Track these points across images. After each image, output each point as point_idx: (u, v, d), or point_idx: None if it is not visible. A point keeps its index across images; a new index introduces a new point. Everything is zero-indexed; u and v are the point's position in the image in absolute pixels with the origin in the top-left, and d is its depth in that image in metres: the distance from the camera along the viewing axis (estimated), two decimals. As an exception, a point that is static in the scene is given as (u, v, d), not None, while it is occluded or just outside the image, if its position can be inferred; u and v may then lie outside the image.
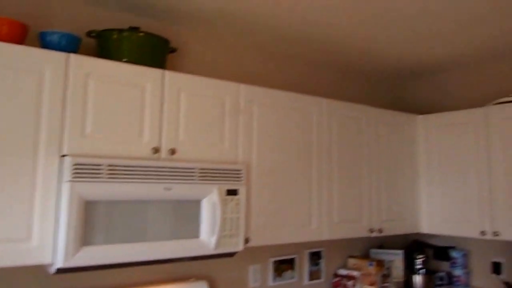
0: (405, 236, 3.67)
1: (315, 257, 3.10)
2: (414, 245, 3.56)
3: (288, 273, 2.97)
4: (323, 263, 3.13)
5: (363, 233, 2.95)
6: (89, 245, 1.90)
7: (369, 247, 3.42)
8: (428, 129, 3.36)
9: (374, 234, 3.00)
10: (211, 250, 2.23)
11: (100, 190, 1.93)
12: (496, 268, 3.19)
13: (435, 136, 3.32)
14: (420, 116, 3.42)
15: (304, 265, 3.05)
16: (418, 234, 3.60)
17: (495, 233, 2.92)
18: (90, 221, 1.91)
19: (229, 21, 2.59)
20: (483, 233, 2.97)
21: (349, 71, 3.57)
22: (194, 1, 2.33)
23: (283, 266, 2.95)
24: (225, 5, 2.37)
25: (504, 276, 3.13)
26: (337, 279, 3.12)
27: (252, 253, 2.84)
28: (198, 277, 2.63)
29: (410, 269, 3.38)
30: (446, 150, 3.24)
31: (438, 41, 2.90)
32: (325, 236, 2.73)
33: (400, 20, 2.53)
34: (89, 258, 1.89)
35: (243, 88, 2.49)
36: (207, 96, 2.35)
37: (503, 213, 2.89)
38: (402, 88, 3.96)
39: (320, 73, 3.39)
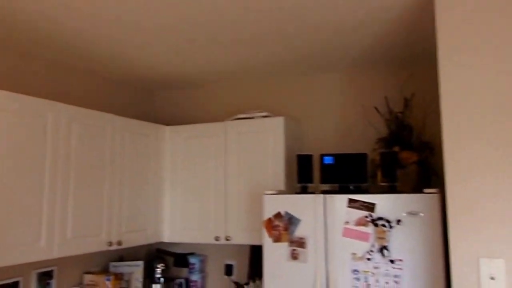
0: (147, 246, 3.67)
1: (46, 277, 2.79)
2: (156, 255, 3.60)
3: (10, 299, 2.58)
4: (54, 283, 2.84)
5: (101, 247, 2.79)
6: None
7: (109, 260, 3.28)
8: (174, 140, 3.45)
9: (113, 247, 2.88)
10: None
11: None
12: (228, 270, 3.47)
13: (180, 147, 3.42)
14: (168, 127, 3.48)
15: (30, 288, 2.70)
16: (160, 243, 3.65)
17: (227, 238, 3.17)
18: None
19: None
20: (217, 238, 3.19)
21: (97, 78, 3.38)
22: None
23: (4, 291, 2.55)
24: None
25: (234, 277, 3.43)
26: (70, 298, 2.88)
27: (-38, 281, 2.36)
28: None
29: (150, 279, 3.39)
30: (190, 161, 3.38)
31: (185, 58, 2.99)
32: (56, 254, 2.48)
33: (149, 31, 2.50)
34: None
35: (-48, 83, 2.05)
36: None
37: (234, 219, 3.17)
38: (152, 99, 3.98)
39: (63, 76, 3.09)
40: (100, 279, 3.00)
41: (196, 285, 3.46)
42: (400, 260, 2.35)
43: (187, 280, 3.51)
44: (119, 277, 3.06)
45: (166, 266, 3.49)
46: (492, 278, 1.82)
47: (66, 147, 2.60)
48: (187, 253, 3.61)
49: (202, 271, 3.53)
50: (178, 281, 3.50)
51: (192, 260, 3.50)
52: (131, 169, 3.09)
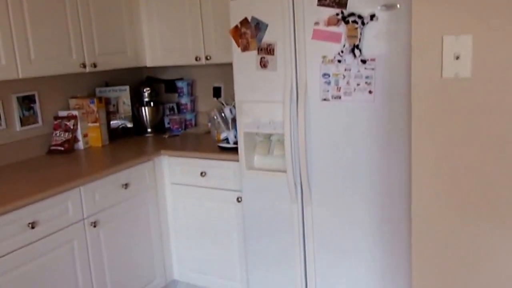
0: (137, 73, 3.63)
1: (27, 101, 2.84)
2: (145, 81, 3.57)
3: (-6, 122, 2.68)
4: (37, 107, 2.89)
5: (74, 69, 2.75)
6: None
7: (94, 87, 3.29)
8: (145, -45, 3.15)
9: (89, 69, 2.84)
10: None
11: None
12: (217, 92, 3.44)
13: (151, -37, 3.14)
14: None
15: (12, 111, 2.76)
16: (149, 70, 3.60)
17: (207, 58, 3.06)
18: None
19: None
20: (197, 58, 3.09)
21: None
22: None
23: (-14, 114, 2.63)
24: None
25: (222, 98, 3.41)
26: (57, 121, 2.95)
27: None
28: None
29: (139, 103, 3.42)
30: (162, -23, 3.12)
31: None
32: (21, 74, 2.45)
33: None
34: None
35: None
36: None
37: (213, 38, 3.01)
38: None
39: None
40: (85, 102, 3.04)
41: (186, 107, 3.49)
42: (373, 60, 2.18)
43: (178, 104, 3.53)
44: (103, 100, 3.08)
45: (155, 91, 3.48)
46: (457, 58, 1.64)
47: (12, -39, 2.39)
48: (176, 78, 3.57)
49: (191, 94, 3.52)
50: (169, 105, 3.53)
51: (179, 84, 3.47)
52: (97, -13, 2.89)
